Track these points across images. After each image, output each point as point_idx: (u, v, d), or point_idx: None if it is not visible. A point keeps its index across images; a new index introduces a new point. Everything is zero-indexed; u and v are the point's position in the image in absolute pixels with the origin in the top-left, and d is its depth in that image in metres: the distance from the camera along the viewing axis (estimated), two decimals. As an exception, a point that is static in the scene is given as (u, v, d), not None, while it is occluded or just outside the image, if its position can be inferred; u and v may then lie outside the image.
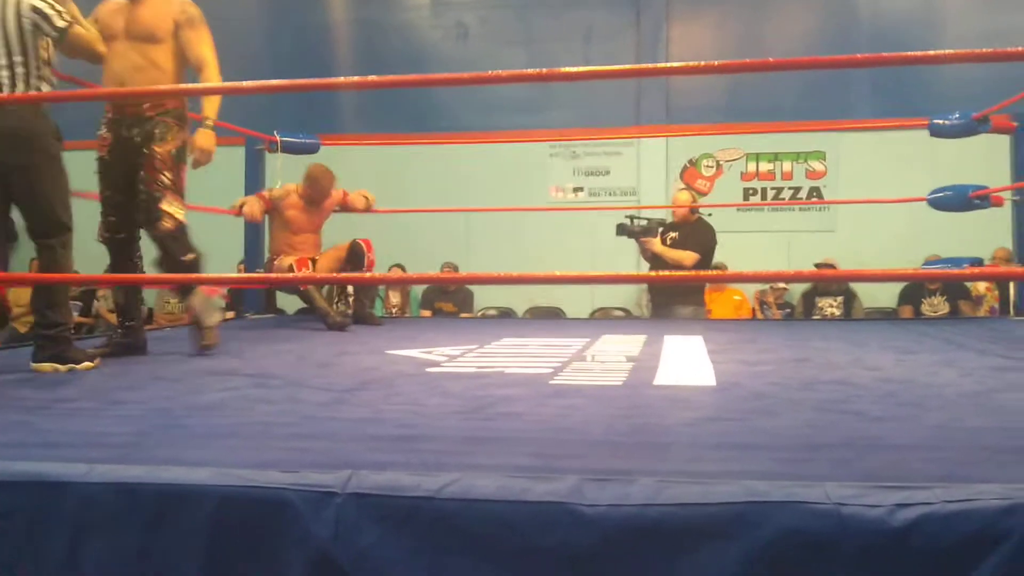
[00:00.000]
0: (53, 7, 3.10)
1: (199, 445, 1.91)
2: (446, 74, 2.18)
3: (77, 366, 3.07)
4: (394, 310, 8.27)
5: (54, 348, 3.07)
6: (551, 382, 2.86)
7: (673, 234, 5.90)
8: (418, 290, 8.65)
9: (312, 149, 5.85)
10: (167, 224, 3.46)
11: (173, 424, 2.15)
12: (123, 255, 3.66)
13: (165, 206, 3.46)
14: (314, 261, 5.15)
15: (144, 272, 3.75)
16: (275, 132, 5.63)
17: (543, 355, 3.64)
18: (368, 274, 5.06)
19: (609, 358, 3.51)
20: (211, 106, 3.56)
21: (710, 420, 2.19)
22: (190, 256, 3.51)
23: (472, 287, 8.58)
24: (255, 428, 2.12)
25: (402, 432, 2.04)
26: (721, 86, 8.51)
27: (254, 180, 5.75)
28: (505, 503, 1.46)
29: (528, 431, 2.08)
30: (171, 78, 3.54)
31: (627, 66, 2.13)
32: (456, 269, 8.27)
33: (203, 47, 3.55)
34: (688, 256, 5.67)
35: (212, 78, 3.52)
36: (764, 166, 8.72)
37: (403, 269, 8.10)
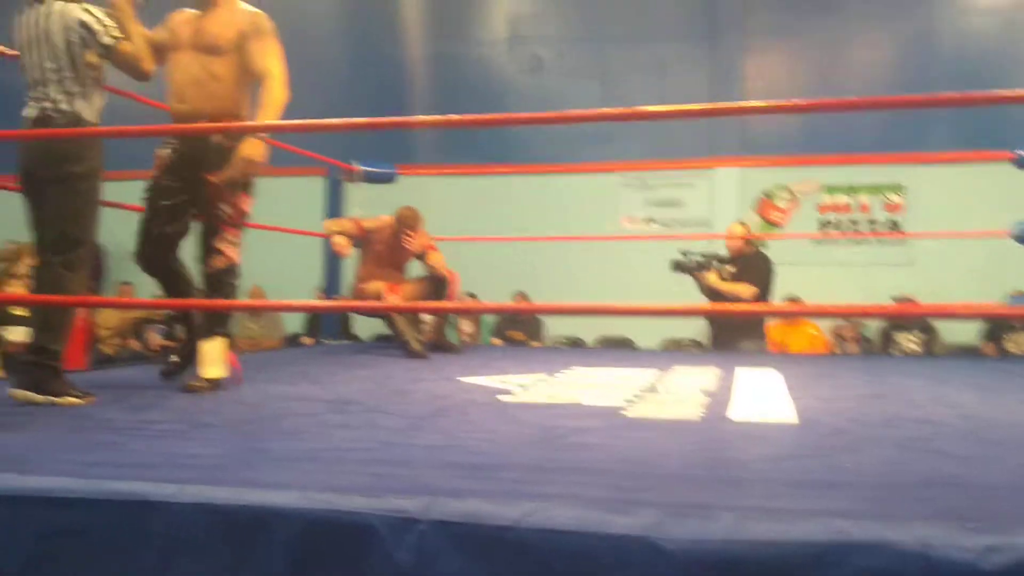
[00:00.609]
0: (101, 22, 3.06)
1: (282, 468, 1.95)
2: (526, 114, 2.21)
3: (57, 399, 2.83)
4: (466, 338, 8.33)
5: (36, 375, 2.88)
6: (623, 414, 2.85)
7: (730, 267, 5.86)
8: (490, 318, 8.71)
9: (389, 179, 5.95)
10: (217, 263, 3.38)
11: (256, 448, 2.20)
12: (166, 281, 3.53)
13: (219, 244, 3.36)
14: None
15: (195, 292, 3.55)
16: (353, 162, 5.74)
17: (614, 386, 3.62)
18: (444, 303, 5.12)
19: (682, 391, 3.48)
20: (265, 117, 3.31)
21: (789, 457, 2.16)
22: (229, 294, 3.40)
23: (542, 316, 8.60)
24: (335, 453, 2.16)
25: (478, 460, 2.06)
26: (797, 118, 8.43)
27: (335, 209, 5.87)
28: (585, 535, 1.46)
29: (603, 463, 2.07)
30: (232, 91, 3.39)
31: (704, 105, 2.14)
32: (527, 298, 8.30)
33: (269, 59, 3.35)
34: (746, 289, 5.62)
35: (275, 90, 3.31)
36: (840, 198, 8.59)
37: (475, 298, 8.17)
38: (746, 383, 3.75)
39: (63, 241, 3.00)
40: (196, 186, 3.39)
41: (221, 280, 3.37)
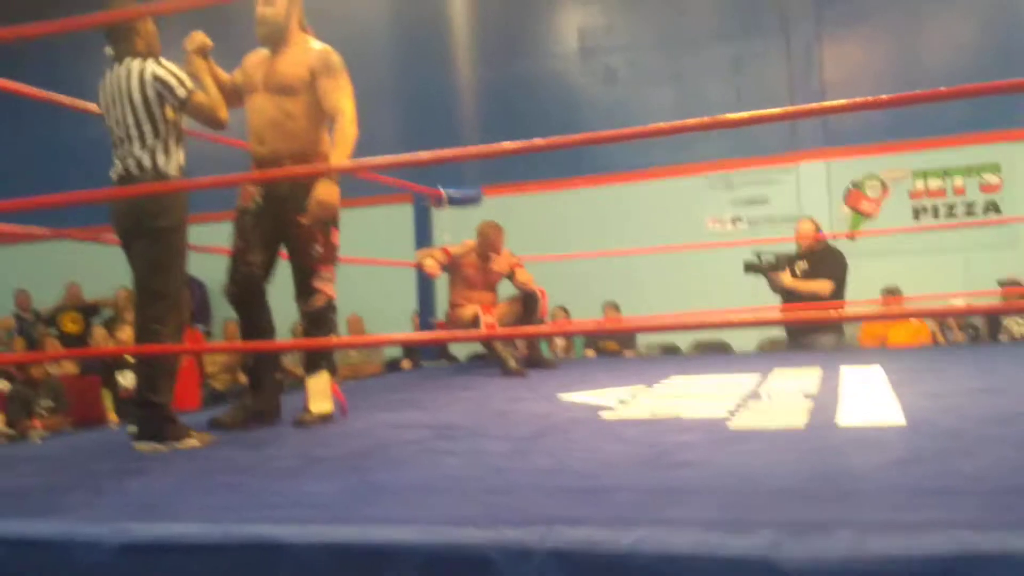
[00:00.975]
0: (176, 75, 3.13)
1: (397, 502, 2.00)
2: (611, 131, 2.22)
3: (178, 444, 2.96)
4: (559, 351, 8.34)
5: (153, 428, 2.99)
6: (728, 425, 2.83)
7: (802, 264, 5.79)
8: (580, 329, 8.71)
9: (475, 201, 6.01)
10: (317, 302, 3.42)
11: (369, 481, 2.25)
12: (250, 320, 3.50)
13: (316, 282, 3.41)
14: None
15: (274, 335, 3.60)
16: (439, 186, 5.83)
17: (715, 395, 3.60)
18: (539, 325, 5.18)
19: (785, 396, 3.44)
20: (337, 158, 3.27)
21: (904, 463, 2.12)
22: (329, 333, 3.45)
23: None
24: (446, 482, 2.21)
25: (586, 484, 2.08)
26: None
27: (424, 234, 5.96)
28: (702, 559, 1.46)
29: (712, 480, 2.07)
30: (308, 130, 3.39)
31: (784, 108, 2.12)
32: (617, 308, 8.27)
33: (339, 96, 3.34)
34: (822, 286, 5.57)
35: (346, 128, 3.29)
36: (933, 183, 8.34)
37: (566, 311, 8.19)
38: (850, 384, 3.67)
39: (149, 294, 3.10)
40: (281, 221, 3.43)
41: (322, 317, 3.45)
